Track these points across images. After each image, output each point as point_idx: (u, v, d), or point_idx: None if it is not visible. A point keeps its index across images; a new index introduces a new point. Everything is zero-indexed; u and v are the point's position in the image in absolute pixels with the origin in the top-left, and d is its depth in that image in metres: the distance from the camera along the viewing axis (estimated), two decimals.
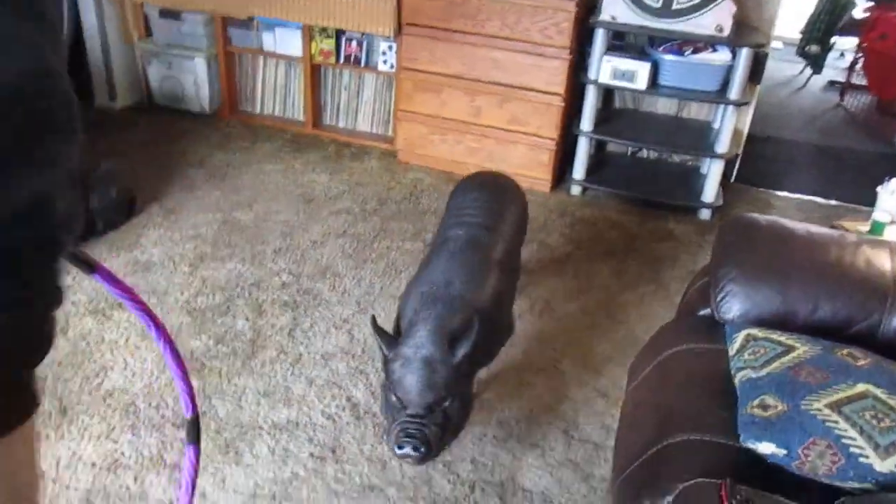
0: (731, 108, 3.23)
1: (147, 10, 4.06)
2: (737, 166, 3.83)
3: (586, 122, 3.41)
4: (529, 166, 3.54)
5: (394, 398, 1.66)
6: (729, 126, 3.26)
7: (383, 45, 3.73)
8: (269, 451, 1.89)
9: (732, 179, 3.83)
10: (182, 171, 3.49)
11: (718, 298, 1.63)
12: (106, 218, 2.83)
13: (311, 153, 3.81)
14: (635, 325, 2.56)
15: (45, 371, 2.11)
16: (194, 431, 0.91)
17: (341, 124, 4.11)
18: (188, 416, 0.91)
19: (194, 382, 2.11)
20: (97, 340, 2.27)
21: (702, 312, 1.73)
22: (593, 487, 1.86)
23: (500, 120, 3.51)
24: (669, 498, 1.19)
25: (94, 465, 1.82)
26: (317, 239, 2.97)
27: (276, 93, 4.16)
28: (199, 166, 3.56)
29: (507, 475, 1.88)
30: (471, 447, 1.96)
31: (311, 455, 1.89)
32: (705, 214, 3.46)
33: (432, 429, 1.61)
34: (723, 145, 3.29)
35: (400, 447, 1.60)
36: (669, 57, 3.19)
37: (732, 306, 1.60)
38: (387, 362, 1.71)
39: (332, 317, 2.47)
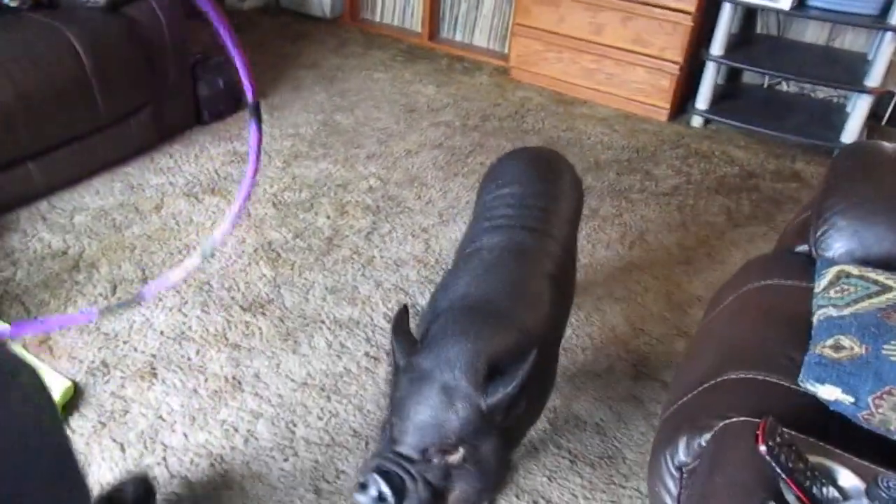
0: (889, 34, 2.79)
1: None
2: (891, 107, 3.36)
3: (717, 46, 3.08)
4: (647, 92, 3.27)
5: (389, 423, 1.16)
6: (885, 56, 2.83)
7: None
8: (327, 345, 1.90)
9: (884, 122, 3.36)
10: (293, 71, 3.51)
11: (819, 233, 1.42)
12: (212, 108, 2.90)
13: (423, 64, 3.72)
14: (735, 266, 2.32)
15: (134, 242, 2.22)
16: (256, 112, 1.19)
17: (458, 38, 3.98)
18: (251, 101, 1.18)
19: (266, 271, 2.15)
20: (186, 221, 2.35)
21: (799, 248, 1.52)
22: (653, 426, 1.73)
23: (622, 39, 3.25)
24: (707, 436, 1.06)
25: (162, 333, 1.90)
26: (411, 148, 2.91)
27: (397, 2, 4.07)
28: (311, 68, 3.57)
29: (563, 402, 1.78)
30: None
31: (366, 354, 1.88)
32: None
33: (419, 483, 1.08)
34: (874, 78, 2.87)
35: (361, 486, 1.08)
36: None
37: (834, 243, 1.39)
38: (397, 372, 1.19)
39: (411, 224, 2.42)
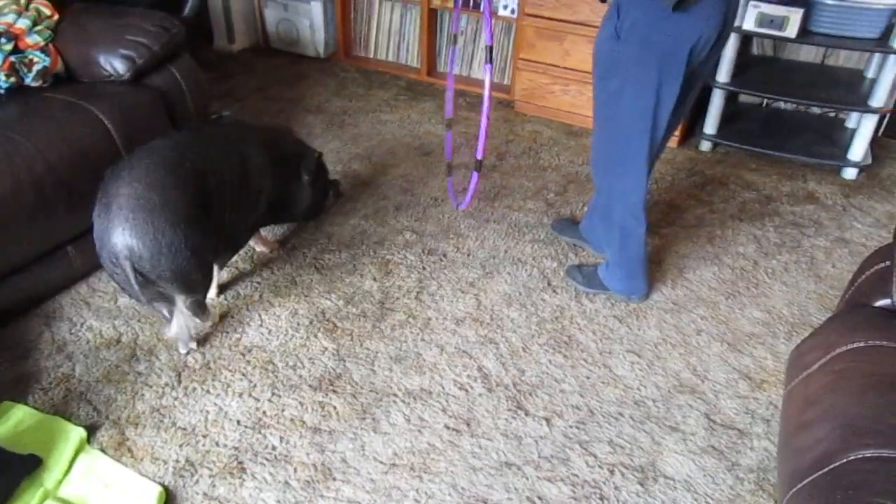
0: (892, 57, 2.90)
1: None
2: (886, 119, 3.48)
3: (723, 73, 3.16)
4: None
5: None
6: (890, 77, 2.93)
7: None
8: (405, 420, 1.90)
9: (880, 133, 3.49)
10: (300, 117, 3.49)
11: None
12: None
13: (427, 102, 3.73)
14: (778, 299, 2.39)
15: None
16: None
17: (456, 71, 3.99)
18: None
19: (327, 344, 2.14)
20: (233, 295, 2.32)
21: (880, 303, 1.58)
22: (739, 479, 1.77)
23: None
24: None
25: (238, 422, 1.87)
26: (436, 195, 2.92)
27: (391, 38, 4.07)
28: (317, 113, 3.55)
29: (647, 460, 1.81)
30: (607, 427, 1.90)
31: (447, 427, 1.89)
32: (850, 174, 3.18)
33: None
34: (880, 99, 2.98)
35: None
36: (827, 1, 2.88)
37: None
38: None
39: (457, 279, 2.43)
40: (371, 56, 4.16)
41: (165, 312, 1.98)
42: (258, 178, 2.15)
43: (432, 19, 3.83)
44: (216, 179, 1.97)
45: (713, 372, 2.10)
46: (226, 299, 2.31)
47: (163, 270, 1.80)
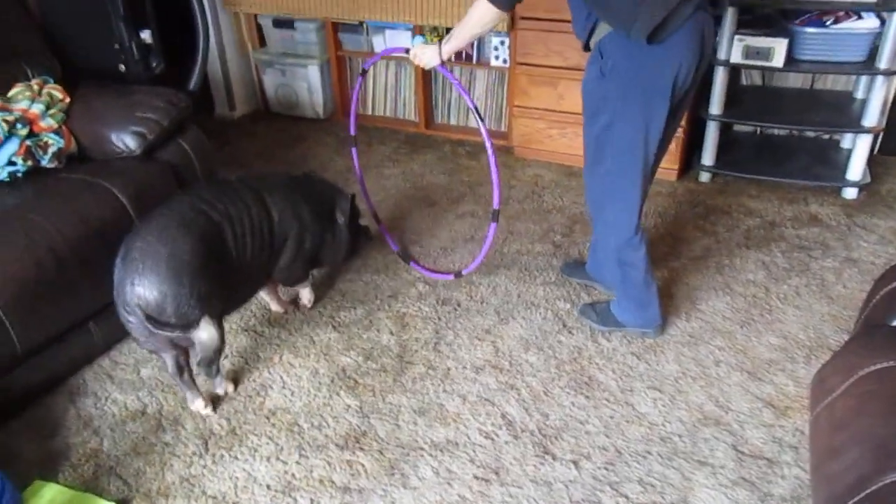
0: (880, 78, 2.97)
1: (261, 21, 4.15)
2: (880, 137, 3.54)
3: (715, 106, 3.24)
4: None
5: None
6: (879, 98, 3.00)
7: (495, 41, 3.65)
8: (434, 473, 1.90)
9: (876, 151, 3.54)
10: None
11: None
12: None
13: (427, 153, 3.80)
14: (793, 324, 2.41)
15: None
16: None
17: (452, 121, 4.09)
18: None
19: (350, 401, 2.15)
20: (253, 358, 2.34)
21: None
22: None
23: None
24: None
25: (269, 486, 1.88)
26: (445, 245, 2.96)
27: (388, 94, 4.17)
28: (321, 171, 3.58)
29: (679, 497, 1.81)
30: (636, 466, 1.90)
31: (476, 477, 1.89)
32: (850, 193, 3.22)
33: None
34: (871, 119, 3.05)
35: None
36: (810, 30, 2.97)
37: None
38: None
39: (473, 328, 2.45)
40: (369, 113, 4.25)
41: (170, 363, 2.07)
42: (285, 226, 2.22)
43: (427, 74, 3.93)
44: (233, 230, 2.07)
45: (736, 402, 2.10)
46: (246, 361, 2.33)
47: (168, 317, 1.90)
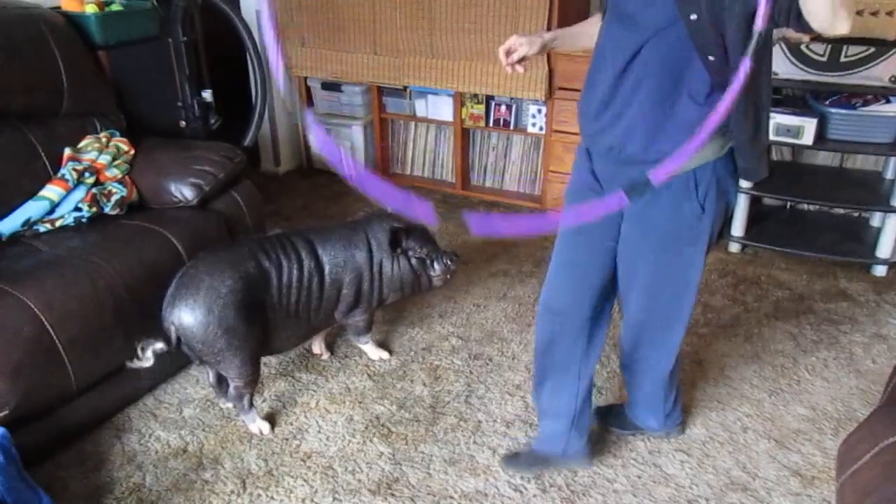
0: None
1: (310, 83, 4.38)
2: None
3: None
4: None
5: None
6: None
7: (532, 109, 3.82)
8: None
9: None
10: None
11: None
12: None
13: (462, 213, 3.93)
14: (821, 395, 2.44)
15: (248, 430, 2.28)
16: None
17: (488, 184, 4.23)
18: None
19: (383, 449, 2.21)
20: (290, 402, 2.43)
21: None
22: None
23: None
24: None
25: None
26: (479, 302, 3.05)
27: (426, 155, 4.35)
28: None
29: None
30: None
31: None
32: (880, 271, 3.26)
33: None
34: None
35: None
36: (838, 111, 3.08)
37: None
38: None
39: (504, 383, 2.52)
40: (408, 172, 4.42)
41: (212, 373, 2.32)
42: (336, 275, 2.35)
43: (465, 137, 4.10)
44: (279, 279, 2.22)
45: (763, 469, 2.12)
46: (283, 405, 2.41)
47: (195, 342, 2.08)
